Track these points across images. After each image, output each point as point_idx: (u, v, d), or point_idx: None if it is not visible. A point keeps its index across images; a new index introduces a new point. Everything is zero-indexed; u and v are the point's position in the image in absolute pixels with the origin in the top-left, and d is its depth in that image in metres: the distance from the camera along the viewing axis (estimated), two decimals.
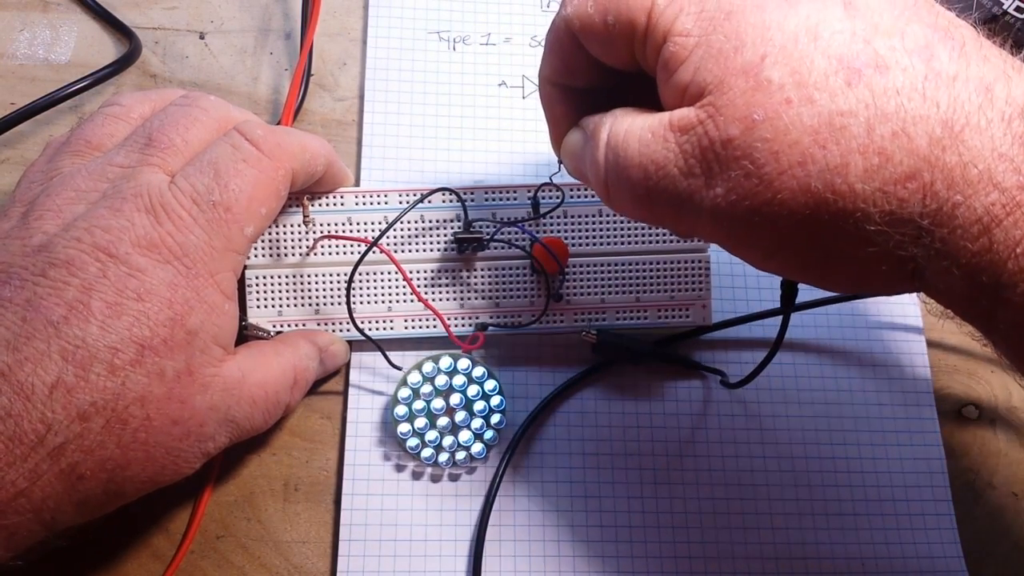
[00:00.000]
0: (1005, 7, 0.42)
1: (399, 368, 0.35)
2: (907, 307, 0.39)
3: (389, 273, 0.36)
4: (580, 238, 0.36)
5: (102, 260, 0.27)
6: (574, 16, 0.26)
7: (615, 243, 0.36)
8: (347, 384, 0.36)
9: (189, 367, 0.28)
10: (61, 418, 0.25)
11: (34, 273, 0.26)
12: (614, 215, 0.36)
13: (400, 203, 0.35)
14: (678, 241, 0.36)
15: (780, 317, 0.32)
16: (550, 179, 0.35)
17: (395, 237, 0.36)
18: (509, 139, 0.40)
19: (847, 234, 0.23)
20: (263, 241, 0.35)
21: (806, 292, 0.39)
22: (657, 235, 0.36)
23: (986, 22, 0.41)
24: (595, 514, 0.35)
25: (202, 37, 0.42)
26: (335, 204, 0.35)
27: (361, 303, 0.36)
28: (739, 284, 0.39)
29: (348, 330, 0.35)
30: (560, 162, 0.31)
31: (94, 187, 0.29)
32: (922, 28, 0.23)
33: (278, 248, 0.35)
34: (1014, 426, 0.39)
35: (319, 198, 0.35)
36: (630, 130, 0.26)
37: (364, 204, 0.35)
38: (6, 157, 0.39)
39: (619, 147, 0.26)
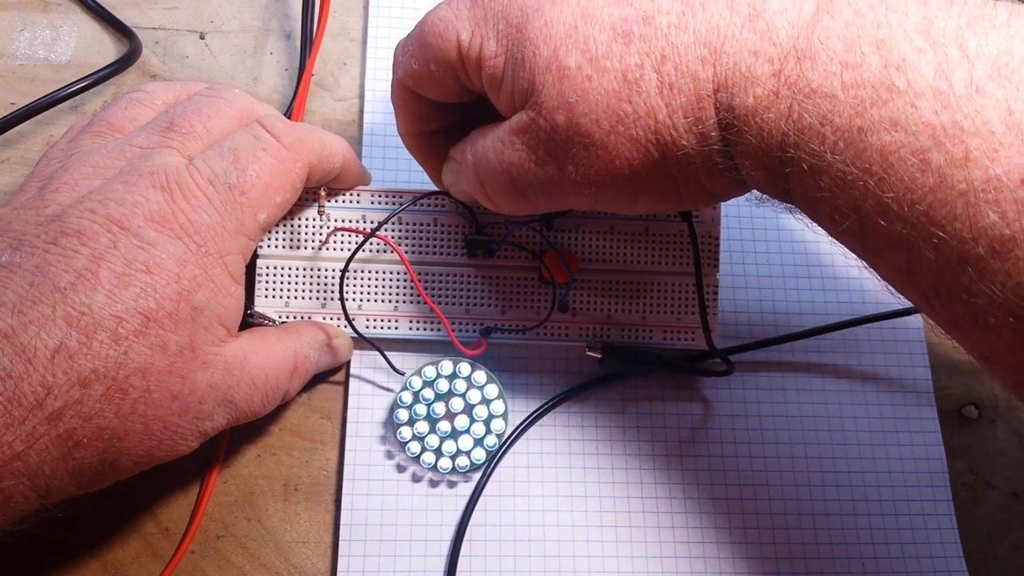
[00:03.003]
0: None
1: (401, 373, 0.35)
2: (907, 307, 0.39)
3: (398, 273, 0.36)
4: (590, 252, 0.36)
5: (113, 231, 0.27)
6: (405, 76, 0.31)
7: (625, 260, 0.36)
8: (347, 384, 0.36)
9: (192, 343, 0.28)
10: (61, 383, 0.25)
11: (45, 241, 0.27)
12: (625, 232, 0.36)
13: (416, 206, 0.36)
14: (687, 264, 0.36)
15: (786, 344, 0.36)
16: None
17: (407, 239, 0.36)
18: None
19: (679, 163, 0.27)
20: (277, 232, 0.35)
21: (813, 319, 0.39)
22: (667, 256, 0.36)
23: None
24: (595, 514, 0.35)
25: (202, 37, 0.42)
26: (351, 201, 0.36)
27: (368, 300, 0.36)
28: (742, 309, 0.39)
29: (350, 328, 0.35)
30: (446, 194, 0.34)
31: (112, 164, 0.29)
32: None
33: (291, 240, 0.35)
34: (1014, 426, 0.39)
35: (336, 195, 0.35)
36: (485, 146, 0.30)
37: (380, 204, 0.36)
38: (6, 157, 0.39)
39: (482, 163, 0.30)
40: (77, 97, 0.38)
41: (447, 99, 0.31)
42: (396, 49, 0.31)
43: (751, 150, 0.26)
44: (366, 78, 0.41)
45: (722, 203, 0.36)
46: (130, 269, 0.27)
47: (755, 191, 0.29)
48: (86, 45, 0.41)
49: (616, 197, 0.29)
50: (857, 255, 0.26)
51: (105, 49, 0.41)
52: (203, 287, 0.28)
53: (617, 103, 0.26)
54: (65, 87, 0.37)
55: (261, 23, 0.43)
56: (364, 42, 0.42)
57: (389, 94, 0.42)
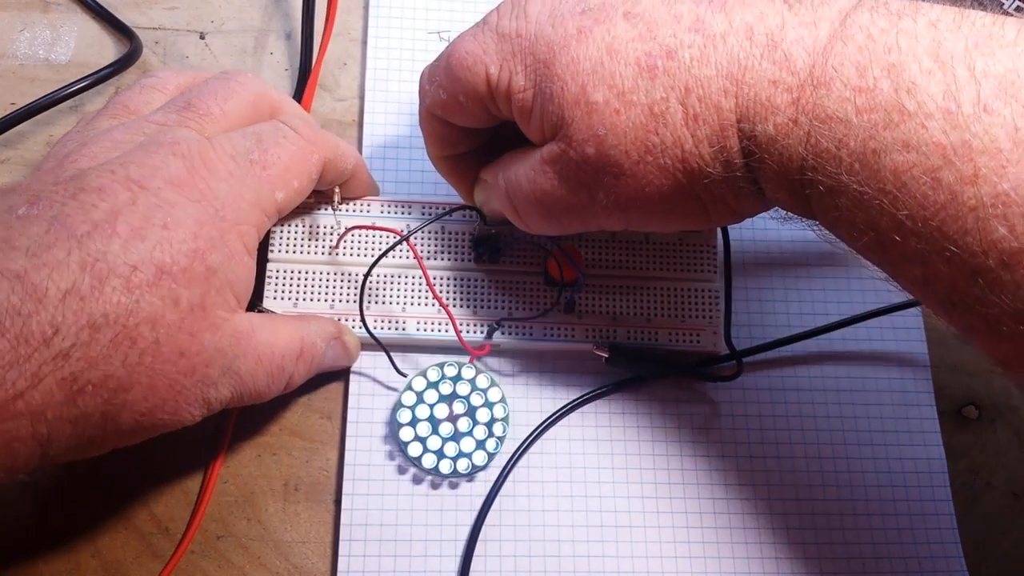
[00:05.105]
0: (1005, 7, 0.42)
1: (404, 374, 0.35)
2: (903, 301, 0.39)
3: (407, 276, 0.36)
4: (596, 255, 0.36)
5: (133, 190, 0.28)
6: (434, 105, 0.32)
7: (630, 263, 0.37)
8: (348, 384, 0.36)
9: (203, 302, 0.28)
10: (71, 323, 0.25)
11: (64, 196, 0.27)
12: (629, 236, 0.37)
13: (424, 214, 0.36)
14: (691, 268, 0.37)
15: (786, 345, 0.37)
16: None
17: (416, 243, 0.36)
18: None
19: (706, 188, 0.28)
20: (288, 234, 0.35)
21: (813, 319, 0.39)
22: (671, 261, 0.37)
23: None
24: (595, 514, 0.35)
25: (202, 37, 0.42)
26: (361, 210, 0.36)
27: (376, 302, 0.36)
28: (741, 310, 0.39)
29: (359, 327, 0.35)
30: (478, 211, 0.36)
31: (130, 139, 0.30)
32: (688, 5, 0.28)
33: (301, 244, 0.36)
34: (1014, 426, 0.39)
35: (346, 203, 0.36)
36: (517, 173, 0.31)
37: (389, 213, 0.36)
38: (6, 157, 0.39)
39: (514, 189, 0.31)
40: (77, 97, 0.38)
41: (475, 125, 0.32)
42: (422, 77, 0.32)
43: (772, 174, 0.27)
44: (366, 78, 0.41)
45: None
46: (147, 224, 0.27)
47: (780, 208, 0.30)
48: (86, 45, 0.41)
49: (646, 220, 0.30)
50: (878, 267, 0.27)
51: (105, 49, 0.42)
52: (218, 249, 0.29)
53: (645, 135, 0.27)
54: (65, 87, 0.37)
55: (261, 23, 0.43)
56: (364, 42, 0.42)
57: (389, 94, 0.42)
